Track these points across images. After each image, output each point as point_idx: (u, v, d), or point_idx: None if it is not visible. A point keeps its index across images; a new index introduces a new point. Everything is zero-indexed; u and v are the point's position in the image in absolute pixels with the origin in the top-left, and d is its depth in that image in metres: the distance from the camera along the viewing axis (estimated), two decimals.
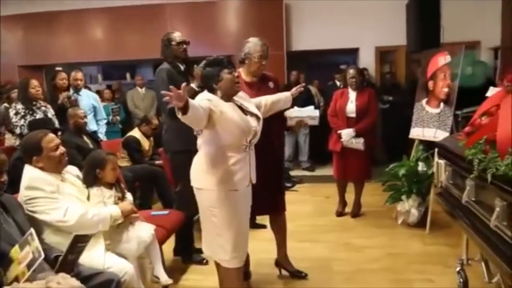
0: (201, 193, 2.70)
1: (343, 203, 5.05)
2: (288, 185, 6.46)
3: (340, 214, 4.99)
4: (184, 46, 3.66)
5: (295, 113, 3.28)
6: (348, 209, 5.05)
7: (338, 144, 4.77)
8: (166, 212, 3.74)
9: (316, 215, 5.08)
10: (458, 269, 3.12)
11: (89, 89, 6.79)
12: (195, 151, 3.78)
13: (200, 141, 2.75)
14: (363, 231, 4.50)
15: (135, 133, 5.45)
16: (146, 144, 5.42)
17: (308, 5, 8.12)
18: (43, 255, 2.00)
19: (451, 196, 2.87)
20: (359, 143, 4.68)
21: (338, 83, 7.53)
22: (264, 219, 4.90)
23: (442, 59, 4.49)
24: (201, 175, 2.70)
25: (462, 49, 4.30)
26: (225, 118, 2.57)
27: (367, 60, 8.25)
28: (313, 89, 7.87)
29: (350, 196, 5.04)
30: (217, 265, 2.89)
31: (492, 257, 2.17)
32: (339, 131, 4.74)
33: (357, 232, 4.49)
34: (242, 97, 2.76)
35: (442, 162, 3.07)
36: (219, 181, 2.62)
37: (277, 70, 7.91)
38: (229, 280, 2.79)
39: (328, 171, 7.20)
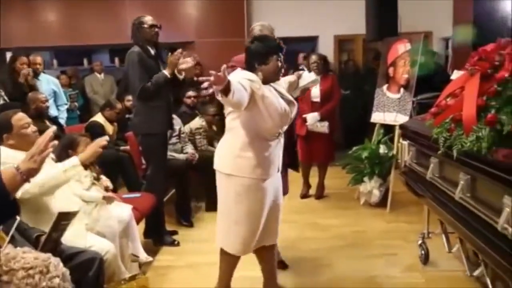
0: (230, 180, 2.54)
1: (307, 185, 5.21)
2: None
3: (304, 196, 5.15)
4: (156, 29, 3.65)
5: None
6: (312, 191, 5.21)
7: (303, 128, 4.91)
8: (138, 194, 3.75)
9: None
10: (419, 242, 3.36)
11: None
12: (165, 133, 3.83)
13: (232, 123, 2.57)
14: (328, 211, 4.69)
15: (99, 118, 5.36)
16: (110, 129, 5.35)
17: None
18: (18, 218, 2.01)
19: (415, 174, 3.07)
20: (324, 127, 4.84)
21: (305, 69, 7.66)
22: None
23: (402, 46, 4.70)
24: (231, 160, 2.53)
25: (421, 37, 4.53)
26: (266, 102, 2.42)
27: (326, 49, 8.41)
28: None
29: (313, 180, 5.20)
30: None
31: (456, 226, 2.37)
32: (304, 115, 4.88)
33: (322, 213, 4.67)
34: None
35: (405, 143, 3.27)
36: (253, 168, 2.49)
37: None
38: (225, 265, 2.74)
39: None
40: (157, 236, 3.85)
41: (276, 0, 8.19)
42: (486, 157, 2.00)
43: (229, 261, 2.72)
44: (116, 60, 8.97)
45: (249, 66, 2.50)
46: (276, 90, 2.55)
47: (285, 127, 2.62)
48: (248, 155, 2.50)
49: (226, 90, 2.10)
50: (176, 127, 4.62)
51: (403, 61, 4.66)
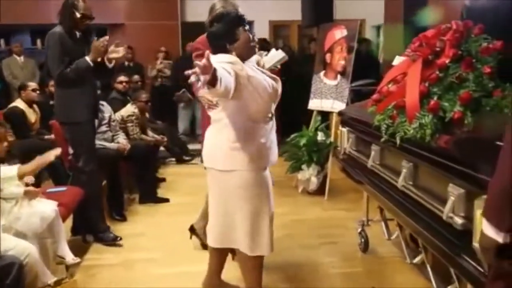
0: (230, 176, 2.29)
1: None
2: (187, 158, 6.39)
3: None
4: (87, 21, 3.32)
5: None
6: None
7: None
8: (63, 188, 3.45)
9: None
10: (359, 230, 3.35)
11: None
12: (90, 121, 3.54)
13: (218, 115, 2.34)
14: None
15: (19, 103, 4.92)
16: (32, 116, 4.94)
17: None
18: None
19: (355, 161, 3.04)
20: None
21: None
22: (167, 193, 4.82)
23: (339, 32, 4.68)
24: (229, 154, 2.28)
25: (357, 24, 4.53)
26: (254, 82, 2.20)
27: (261, 34, 8.32)
28: None
29: None
30: (233, 256, 2.74)
31: (399, 214, 2.35)
32: None
33: None
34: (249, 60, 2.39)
35: (345, 130, 3.23)
36: (253, 158, 2.27)
37: (170, 41, 7.69)
38: (255, 270, 2.46)
39: None
40: (95, 234, 3.57)
41: None
42: (429, 144, 1.97)
43: (259, 264, 2.46)
44: (38, 42, 8.35)
45: (219, 49, 2.25)
46: (257, 68, 2.36)
47: (275, 106, 2.43)
48: (244, 145, 2.27)
49: (213, 80, 1.84)
50: (106, 115, 4.32)
51: (339, 47, 4.64)
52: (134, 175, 4.64)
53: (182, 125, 7.49)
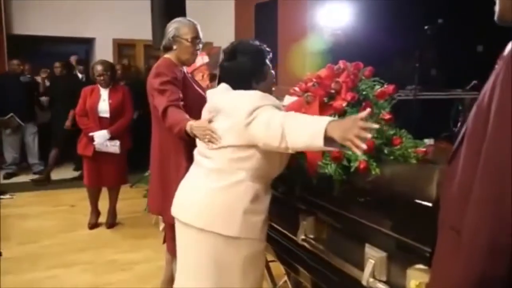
0: (238, 244, 1.84)
1: (96, 213, 4.48)
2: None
3: (94, 226, 4.41)
4: None
5: None
6: (101, 219, 4.51)
7: (90, 147, 4.18)
8: None
9: (64, 230, 4.34)
10: None
11: None
12: None
13: (237, 164, 1.84)
14: (125, 243, 4.05)
15: None
16: None
17: None
18: None
19: None
20: (115, 146, 4.19)
21: (79, 75, 6.68)
22: None
23: (200, 58, 4.42)
24: (243, 218, 1.82)
25: (220, 50, 4.32)
26: None
27: (104, 52, 7.67)
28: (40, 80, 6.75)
29: (103, 204, 4.50)
30: None
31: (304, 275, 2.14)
32: (91, 134, 4.15)
33: (118, 246, 4.01)
34: None
35: None
36: (263, 224, 1.90)
37: None
38: None
39: (66, 173, 6.44)
40: None
41: None
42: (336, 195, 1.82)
43: None
44: None
45: (241, 85, 1.89)
46: None
47: None
48: (259, 209, 1.88)
49: None
50: None
51: (201, 74, 4.39)
52: None
53: (10, 154, 6.42)
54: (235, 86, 1.91)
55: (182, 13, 5.82)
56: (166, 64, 2.51)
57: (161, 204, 2.53)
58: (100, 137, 4.16)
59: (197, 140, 2.02)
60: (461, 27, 5.07)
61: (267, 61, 1.99)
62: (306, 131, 1.59)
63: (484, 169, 0.98)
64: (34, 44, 7.76)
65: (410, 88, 5.08)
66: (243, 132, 1.77)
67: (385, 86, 2.09)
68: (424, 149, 1.83)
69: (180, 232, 2.01)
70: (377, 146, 1.88)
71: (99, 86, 4.30)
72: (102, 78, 4.25)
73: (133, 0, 7.14)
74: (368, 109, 1.55)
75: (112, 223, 4.46)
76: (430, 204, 1.46)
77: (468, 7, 4.98)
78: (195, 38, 2.56)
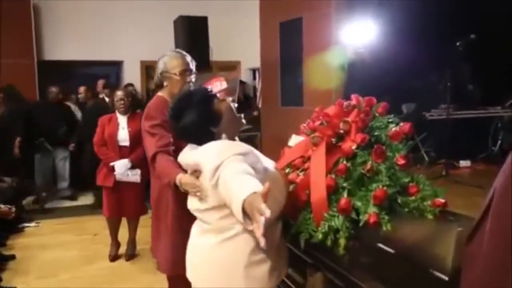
0: None
1: (116, 244, 4.39)
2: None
3: (114, 258, 4.32)
4: None
5: None
6: (122, 249, 4.42)
7: (110, 178, 4.10)
8: None
9: (84, 262, 4.27)
10: None
11: None
12: None
13: (222, 222, 1.70)
14: (144, 277, 3.91)
15: None
16: None
17: (64, 7, 7.14)
18: None
19: None
20: (136, 175, 4.09)
21: (106, 99, 6.70)
22: (15, 278, 3.90)
23: (218, 84, 4.33)
24: (242, 271, 1.69)
25: (237, 78, 4.22)
26: (270, 175, 1.69)
27: (132, 74, 7.74)
28: (72, 106, 6.85)
29: (122, 232, 4.39)
30: None
31: None
32: (111, 163, 4.08)
33: (137, 279, 3.88)
34: None
35: None
36: (271, 270, 1.74)
37: (26, 82, 6.68)
38: None
39: (91, 198, 6.42)
40: None
41: (74, 17, 7.19)
42: (344, 258, 1.62)
43: None
44: None
45: (205, 138, 1.74)
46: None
47: None
48: (262, 258, 1.71)
49: None
50: None
51: None
52: None
53: (41, 179, 6.48)
54: (198, 142, 1.77)
55: (205, 32, 5.81)
56: (157, 105, 2.37)
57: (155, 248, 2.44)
58: (122, 166, 4.08)
59: (189, 196, 1.88)
60: (494, 42, 4.74)
61: (214, 100, 1.81)
62: (234, 202, 1.39)
63: None
64: (64, 68, 7.89)
65: (444, 107, 4.81)
66: (215, 193, 1.62)
67: (401, 124, 1.88)
68: (443, 201, 1.61)
69: None
70: (390, 195, 1.68)
71: (117, 114, 4.23)
72: (122, 103, 4.19)
73: (158, 20, 7.16)
74: (267, 184, 1.29)
75: (131, 255, 4.35)
76: (446, 278, 1.25)
77: (500, 21, 4.67)
78: (185, 71, 2.40)
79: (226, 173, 1.51)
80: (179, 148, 2.18)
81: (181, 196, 1.99)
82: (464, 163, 4.92)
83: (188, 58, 2.44)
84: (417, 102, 5.19)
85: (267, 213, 1.19)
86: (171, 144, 2.25)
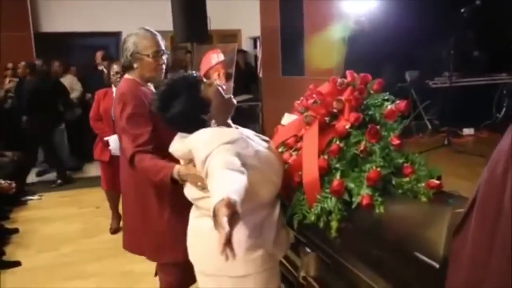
0: (246, 281, 1.72)
1: (117, 217, 4.40)
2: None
3: (115, 230, 4.35)
4: None
5: None
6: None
7: (106, 152, 4.09)
8: None
9: (86, 236, 4.30)
10: None
11: None
12: None
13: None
14: None
15: None
16: None
17: None
18: None
19: None
20: None
21: (105, 71, 6.60)
22: (17, 251, 3.95)
23: (215, 56, 4.24)
24: (244, 255, 1.69)
25: (235, 48, 4.12)
26: (261, 158, 1.67)
27: None
28: (70, 78, 6.77)
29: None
30: None
31: None
32: (106, 138, 4.05)
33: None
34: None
35: None
36: (270, 252, 1.74)
37: (23, 55, 6.59)
38: None
39: (95, 170, 6.41)
40: None
41: None
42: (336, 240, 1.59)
43: None
44: None
45: (196, 126, 1.68)
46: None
47: None
48: (259, 243, 1.71)
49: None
50: None
51: (216, 73, 4.20)
52: None
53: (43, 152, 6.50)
54: (189, 131, 1.70)
55: (202, 7, 5.64)
56: (130, 89, 2.15)
57: (140, 242, 2.36)
58: (116, 141, 4.03)
59: (187, 185, 1.83)
60: (500, 8, 4.58)
61: (201, 86, 1.73)
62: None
63: (503, 247, 0.84)
64: (62, 40, 7.76)
65: (448, 74, 4.70)
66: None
67: (397, 102, 1.81)
68: (437, 182, 1.56)
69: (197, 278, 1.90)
70: (384, 176, 1.63)
71: (113, 88, 4.17)
72: (118, 76, 4.12)
73: None
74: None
75: None
76: (437, 266, 1.21)
77: None
78: (157, 52, 2.17)
79: (211, 167, 1.46)
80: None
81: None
82: (467, 131, 4.84)
83: (159, 37, 2.21)
84: (420, 70, 5.08)
85: (226, 228, 1.16)
86: (150, 140, 2.06)
